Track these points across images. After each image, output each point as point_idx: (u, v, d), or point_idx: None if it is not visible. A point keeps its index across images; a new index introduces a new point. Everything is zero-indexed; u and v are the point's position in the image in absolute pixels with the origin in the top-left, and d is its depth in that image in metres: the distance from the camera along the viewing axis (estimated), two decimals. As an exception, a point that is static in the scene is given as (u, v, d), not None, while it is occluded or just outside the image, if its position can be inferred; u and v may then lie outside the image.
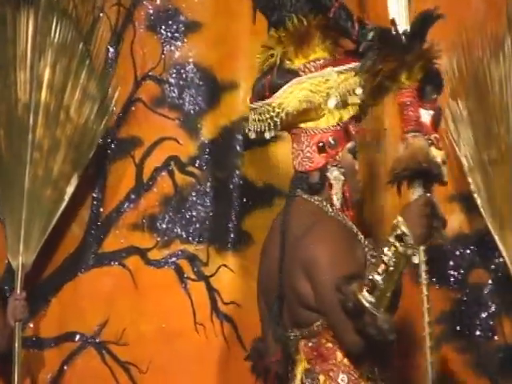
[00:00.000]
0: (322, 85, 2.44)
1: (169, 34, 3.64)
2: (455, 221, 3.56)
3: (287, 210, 2.45)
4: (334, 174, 2.45)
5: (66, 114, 3.56)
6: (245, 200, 3.57)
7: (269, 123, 2.46)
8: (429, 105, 2.37)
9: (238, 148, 3.59)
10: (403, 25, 2.38)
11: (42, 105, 3.54)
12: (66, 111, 3.56)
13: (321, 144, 2.44)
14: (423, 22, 2.28)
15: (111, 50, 3.63)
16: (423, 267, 2.44)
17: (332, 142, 2.46)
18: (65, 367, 3.57)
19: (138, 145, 3.57)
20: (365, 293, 2.20)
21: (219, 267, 3.55)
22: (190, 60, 3.62)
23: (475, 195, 3.41)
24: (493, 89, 3.45)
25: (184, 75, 3.64)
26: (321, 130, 2.46)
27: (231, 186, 3.55)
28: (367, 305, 2.19)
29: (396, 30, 2.33)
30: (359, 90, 2.43)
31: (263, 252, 2.57)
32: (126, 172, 3.59)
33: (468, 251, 3.59)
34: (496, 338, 3.43)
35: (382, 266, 2.17)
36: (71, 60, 3.55)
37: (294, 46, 2.49)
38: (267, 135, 2.48)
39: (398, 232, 2.19)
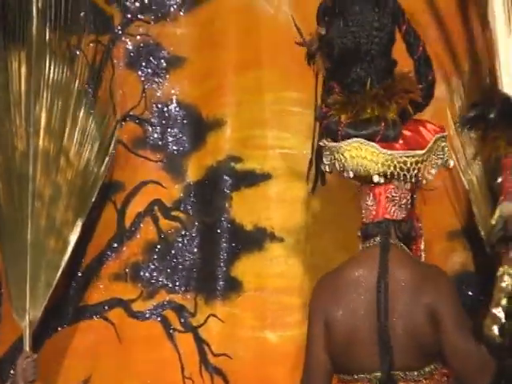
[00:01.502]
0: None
1: (149, 70, 3.59)
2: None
3: (385, 258, 2.63)
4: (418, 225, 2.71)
5: (65, 159, 3.52)
6: (234, 244, 3.50)
7: (404, 174, 2.65)
8: None
9: (225, 189, 3.51)
10: None
11: (40, 151, 3.49)
12: (66, 155, 3.51)
13: (415, 196, 2.68)
14: None
15: (89, 90, 3.58)
16: None
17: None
18: None
19: (119, 189, 3.52)
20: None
21: (208, 317, 3.46)
22: (173, 97, 3.57)
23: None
24: None
25: (167, 114, 3.59)
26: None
27: (219, 230, 3.50)
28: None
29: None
30: (452, 162, 2.77)
31: (341, 300, 2.66)
32: (107, 218, 3.53)
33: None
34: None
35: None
36: (68, 100, 3.52)
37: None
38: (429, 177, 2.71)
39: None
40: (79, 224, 3.43)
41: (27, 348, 3.28)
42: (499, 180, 2.75)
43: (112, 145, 3.54)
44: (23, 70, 3.50)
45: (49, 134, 3.47)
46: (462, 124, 2.91)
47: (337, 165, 2.69)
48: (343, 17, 2.69)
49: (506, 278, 2.55)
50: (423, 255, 2.73)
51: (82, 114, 3.53)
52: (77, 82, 3.59)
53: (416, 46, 2.72)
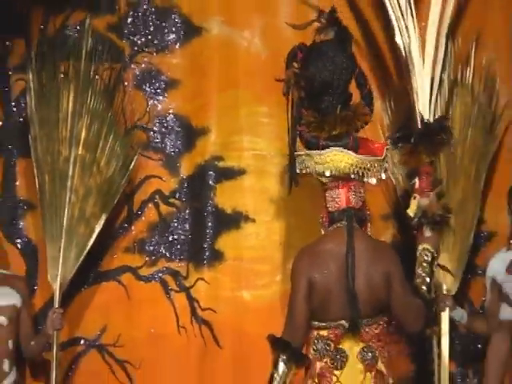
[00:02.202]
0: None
1: (152, 90, 3.92)
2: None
3: (351, 236, 3.02)
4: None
5: (97, 167, 3.90)
6: (217, 224, 3.92)
7: (366, 173, 3.07)
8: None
9: (210, 182, 3.91)
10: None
11: (78, 158, 3.83)
12: (98, 164, 3.88)
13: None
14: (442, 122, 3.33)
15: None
16: None
17: None
18: (73, 366, 3.87)
19: (128, 182, 3.90)
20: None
21: (197, 280, 3.91)
22: (170, 111, 3.96)
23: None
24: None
25: (165, 124, 3.98)
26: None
27: (205, 214, 3.89)
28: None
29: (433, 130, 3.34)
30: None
31: (324, 264, 3.02)
32: (120, 205, 3.88)
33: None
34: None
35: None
36: (102, 125, 3.86)
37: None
38: (373, 181, 3.09)
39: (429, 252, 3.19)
40: (103, 217, 3.82)
41: (56, 304, 3.69)
42: (415, 181, 3.30)
43: (132, 164, 3.89)
44: (71, 97, 3.86)
45: (86, 146, 3.84)
46: (391, 142, 3.49)
47: (316, 167, 3.03)
48: (321, 59, 3.08)
49: (425, 252, 3.19)
50: (369, 233, 3.10)
51: (111, 136, 3.91)
52: (109, 108, 3.95)
53: (364, 84, 3.15)
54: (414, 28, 3.47)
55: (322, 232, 3.08)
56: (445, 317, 3.79)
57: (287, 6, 3.99)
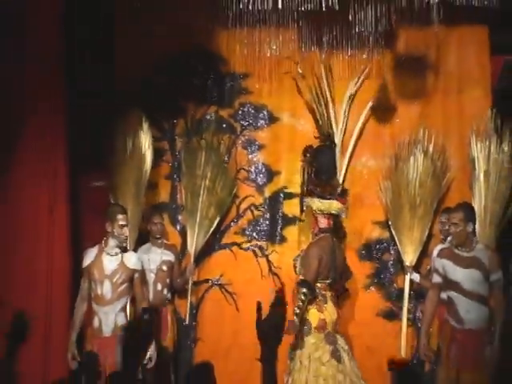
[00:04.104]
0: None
1: (250, 150, 6.10)
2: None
3: (334, 240, 5.16)
4: None
5: (216, 191, 5.88)
6: (283, 222, 5.95)
7: (342, 212, 5.43)
8: None
9: (280, 199, 5.98)
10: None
11: (206, 186, 5.87)
12: (216, 190, 5.86)
13: None
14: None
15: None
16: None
17: None
18: (204, 295, 5.99)
19: (236, 198, 5.99)
20: None
21: (272, 251, 5.96)
22: (260, 161, 6.07)
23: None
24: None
25: (257, 168, 6.19)
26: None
27: (277, 216, 6.03)
28: None
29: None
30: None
31: (324, 252, 5.22)
32: (231, 211, 6.02)
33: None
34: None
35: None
36: (220, 168, 5.95)
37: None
38: (343, 215, 5.44)
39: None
40: (218, 218, 5.90)
41: (192, 261, 5.77)
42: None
43: (235, 189, 5.79)
44: (204, 153, 5.86)
45: (210, 179, 5.79)
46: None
47: (319, 207, 5.15)
48: (326, 155, 5.27)
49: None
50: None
51: (226, 174, 5.78)
52: (225, 159, 5.78)
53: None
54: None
55: (312, 237, 5.27)
56: (407, 278, 5.88)
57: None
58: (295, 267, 5.26)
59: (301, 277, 5.08)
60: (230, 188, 6.00)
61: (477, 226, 5.14)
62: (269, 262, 6.13)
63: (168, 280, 5.84)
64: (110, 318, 5.00)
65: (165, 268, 5.82)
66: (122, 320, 5.04)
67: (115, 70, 6.09)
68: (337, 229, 5.29)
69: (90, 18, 5.80)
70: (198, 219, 5.99)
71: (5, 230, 5.60)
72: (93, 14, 5.82)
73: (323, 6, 4.96)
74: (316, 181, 5.28)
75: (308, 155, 5.42)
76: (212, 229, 6.01)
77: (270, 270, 6.09)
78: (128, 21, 6.07)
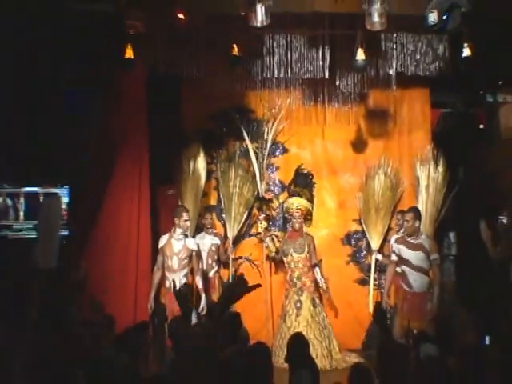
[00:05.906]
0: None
1: (269, 171, 6.60)
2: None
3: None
4: None
5: (243, 194, 6.33)
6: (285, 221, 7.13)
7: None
8: None
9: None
10: None
11: (236, 191, 6.32)
12: (243, 193, 6.34)
13: None
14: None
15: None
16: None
17: None
18: (239, 267, 6.47)
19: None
20: None
21: (282, 238, 6.45)
22: (276, 178, 6.58)
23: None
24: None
25: (274, 184, 6.58)
26: None
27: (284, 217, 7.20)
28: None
29: None
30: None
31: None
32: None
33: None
34: None
35: None
36: (244, 177, 6.44)
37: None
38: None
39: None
40: (245, 213, 6.65)
41: (231, 244, 6.43)
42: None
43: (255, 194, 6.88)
44: (233, 168, 6.48)
45: (240, 185, 6.34)
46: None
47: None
48: (300, 178, 6.44)
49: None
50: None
51: (249, 181, 6.42)
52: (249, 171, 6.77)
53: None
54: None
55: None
56: (373, 257, 6.60)
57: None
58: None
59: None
60: (253, 192, 6.57)
61: (422, 222, 5.69)
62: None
63: (216, 256, 6.56)
64: (176, 281, 5.23)
65: (214, 248, 6.52)
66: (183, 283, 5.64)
67: (184, 120, 6.83)
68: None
69: (163, 88, 6.59)
70: (232, 215, 6.61)
71: (108, 235, 6.26)
72: (166, 89, 6.68)
73: (318, 75, 5.76)
74: (295, 189, 6.21)
75: (294, 179, 6.31)
76: (242, 222, 6.68)
77: (267, 257, 6.71)
78: (190, 90, 6.77)
